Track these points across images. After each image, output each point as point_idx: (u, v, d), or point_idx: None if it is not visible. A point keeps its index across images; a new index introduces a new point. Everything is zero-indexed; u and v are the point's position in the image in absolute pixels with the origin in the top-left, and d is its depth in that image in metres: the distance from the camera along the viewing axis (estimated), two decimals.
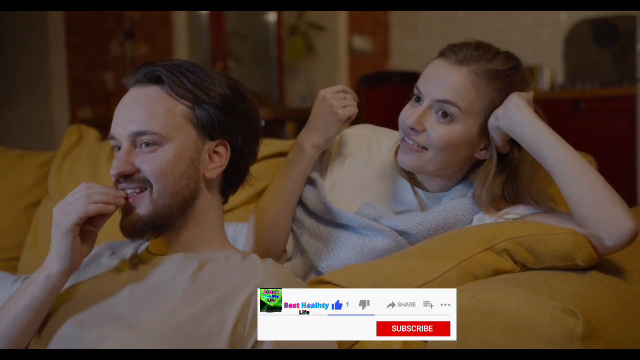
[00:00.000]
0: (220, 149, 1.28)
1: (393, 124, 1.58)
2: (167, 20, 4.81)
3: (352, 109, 1.48)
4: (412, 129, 1.39)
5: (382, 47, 6.19)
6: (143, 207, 1.23)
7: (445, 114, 1.37)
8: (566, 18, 5.42)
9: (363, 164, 1.55)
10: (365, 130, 1.60)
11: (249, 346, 1.14)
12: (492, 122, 1.38)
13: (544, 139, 1.31)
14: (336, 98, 1.47)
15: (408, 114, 1.41)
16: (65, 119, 4.17)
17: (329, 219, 1.49)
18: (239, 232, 1.62)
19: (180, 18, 4.88)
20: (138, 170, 1.23)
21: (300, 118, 4.97)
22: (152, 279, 1.23)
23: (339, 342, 1.23)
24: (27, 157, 2.28)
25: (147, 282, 1.23)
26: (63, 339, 1.19)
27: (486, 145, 1.41)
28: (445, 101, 1.37)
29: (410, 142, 1.40)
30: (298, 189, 1.50)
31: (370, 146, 1.57)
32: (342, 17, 5.80)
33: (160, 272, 1.23)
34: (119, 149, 1.25)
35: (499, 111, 1.36)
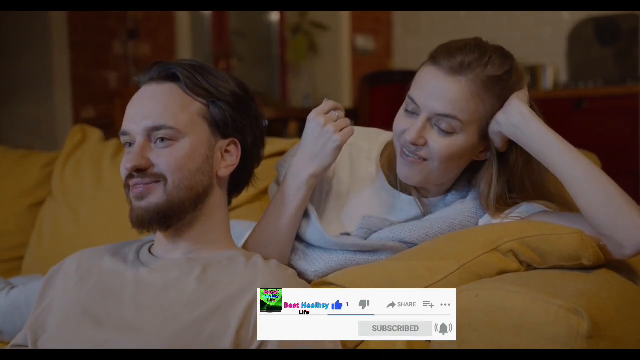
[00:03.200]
0: (232, 147, 1.29)
1: None
2: (170, 19, 4.80)
3: (350, 130, 1.36)
4: (413, 144, 1.34)
5: (384, 46, 6.18)
6: (156, 196, 1.22)
7: (442, 127, 1.33)
8: (569, 17, 5.41)
9: (349, 181, 1.48)
10: None
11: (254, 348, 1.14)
12: (493, 127, 1.35)
13: (552, 148, 1.29)
14: (331, 121, 1.35)
15: (405, 127, 1.36)
16: (68, 119, 4.16)
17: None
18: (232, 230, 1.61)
19: (183, 17, 4.87)
20: (152, 165, 1.22)
21: (303, 117, 4.97)
22: (156, 282, 1.22)
23: (342, 342, 1.23)
24: (30, 157, 2.28)
25: (150, 285, 1.22)
26: (66, 341, 1.19)
27: (485, 147, 1.38)
28: (446, 115, 1.32)
29: (410, 156, 1.36)
30: (298, 220, 1.40)
31: (353, 156, 1.49)
32: (344, 17, 5.80)
33: (164, 276, 1.23)
34: (131, 145, 1.25)
35: (500, 116, 1.33)
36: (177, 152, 1.23)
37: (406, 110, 1.38)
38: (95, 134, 2.26)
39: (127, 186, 1.25)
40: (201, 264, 1.23)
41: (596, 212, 1.25)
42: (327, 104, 1.38)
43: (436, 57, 1.35)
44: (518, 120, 1.31)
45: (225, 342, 1.12)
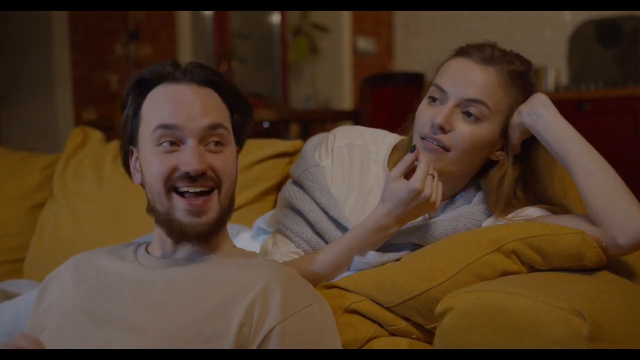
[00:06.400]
0: (237, 155, 1.30)
1: (397, 124, 1.56)
2: (171, 20, 4.81)
3: (441, 191, 1.37)
4: (440, 128, 1.36)
5: (386, 48, 6.19)
6: (214, 209, 1.21)
7: (470, 114, 1.36)
8: (570, 18, 5.42)
9: (359, 186, 1.50)
10: (356, 140, 1.54)
11: (255, 347, 1.13)
12: (514, 119, 1.39)
13: (568, 136, 1.33)
14: (430, 187, 1.35)
15: (434, 113, 1.37)
16: (70, 120, 4.17)
17: None
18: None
19: (184, 18, 4.88)
20: (209, 169, 1.20)
21: (304, 119, 4.97)
22: (156, 282, 1.22)
23: (345, 342, 1.23)
24: (31, 159, 2.28)
25: (151, 284, 1.22)
26: (66, 340, 1.19)
27: (502, 145, 1.41)
28: (475, 100, 1.36)
29: (433, 142, 1.37)
30: None
31: (363, 160, 1.51)
32: (345, 18, 5.80)
33: (164, 275, 1.23)
34: (172, 143, 1.20)
35: (523, 107, 1.38)
36: (229, 157, 1.23)
37: (430, 101, 1.40)
38: (96, 135, 2.27)
39: (173, 190, 1.20)
40: (202, 263, 1.23)
41: (597, 201, 1.28)
42: (424, 167, 1.35)
43: (467, 50, 1.40)
44: (540, 110, 1.36)
45: (227, 341, 1.12)
